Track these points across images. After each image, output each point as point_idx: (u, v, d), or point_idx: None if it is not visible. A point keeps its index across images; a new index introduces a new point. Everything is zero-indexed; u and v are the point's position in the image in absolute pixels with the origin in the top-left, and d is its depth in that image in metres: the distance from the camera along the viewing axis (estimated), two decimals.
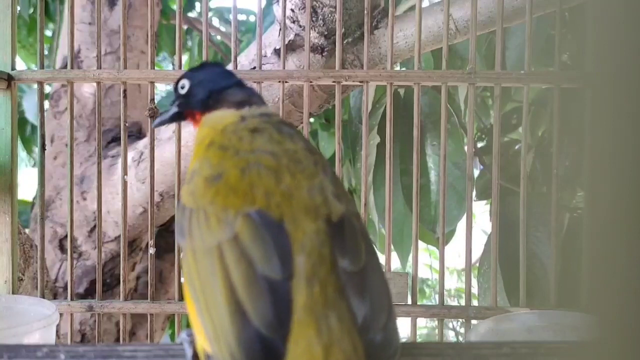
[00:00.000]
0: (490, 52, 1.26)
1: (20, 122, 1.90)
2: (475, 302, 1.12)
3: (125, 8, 0.92)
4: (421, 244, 1.18)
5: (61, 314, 0.89)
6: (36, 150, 2.08)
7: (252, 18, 2.33)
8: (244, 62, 1.16)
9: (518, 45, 1.18)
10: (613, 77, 0.26)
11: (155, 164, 0.93)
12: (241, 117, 0.53)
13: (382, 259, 1.61)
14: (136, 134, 1.49)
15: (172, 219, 1.40)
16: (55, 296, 1.26)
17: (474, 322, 0.90)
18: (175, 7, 0.95)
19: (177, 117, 0.59)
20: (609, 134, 0.26)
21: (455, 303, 2.26)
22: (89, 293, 1.36)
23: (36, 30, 0.92)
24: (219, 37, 2.32)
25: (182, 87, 0.59)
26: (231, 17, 0.95)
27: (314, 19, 1.05)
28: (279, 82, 0.92)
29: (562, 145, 0.87)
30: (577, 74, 0.86)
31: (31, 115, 1.85)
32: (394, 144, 0.93)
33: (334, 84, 0.92)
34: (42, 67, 0.91)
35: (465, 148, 1.03)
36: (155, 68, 0.94)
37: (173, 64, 1.66)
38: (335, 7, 0.96)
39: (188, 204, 0.47)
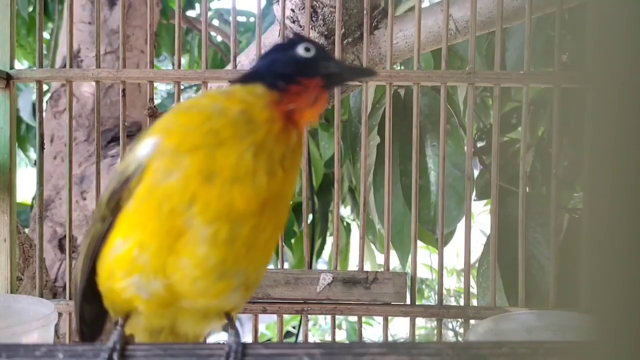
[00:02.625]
0: (490, 52, 1.26)
1: (16, 121, 1.90)
2: (474, 302, 1.12)
3: (125, 8, 0.92)
4: (420, 244, 1.18)
5: (60, 314, 0.88)
6: (32, 149, 2.08)
7: (251, 19, 2.32)
8: (244, 62, 1.15)
9: (518, 45, 1.18)
10: (613, 77, 0.26)
11: None
12: None
13: (381, 259, 1.61)
14: (136, 133, 1.49)
15: None
16: (54, 296, 1.25)
17: (472, 322, 0.90)
18: (175, 7, 0.95)
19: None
20: (609, 134, 0.26)
21: (454, 303, 2.26)
22: None
23: (35, 30, 0.92)
24: (219, 38, 2.31)
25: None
26: (230, 18, 0.95)
27: (313, 19, 1.05)
28: None
29: (562, 146, 0.87)
30: (577, 74, 0.86)
31: (26, 114, 1.85)
32: (394, 145, 0.93)
33: None
34: (41, 66, 0.91)
35: (465, 148, 1.03)
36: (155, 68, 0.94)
37: (173, 64, 1.67)
38: (335, 7, 0.96)
39: None
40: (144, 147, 0.49)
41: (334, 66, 0.54)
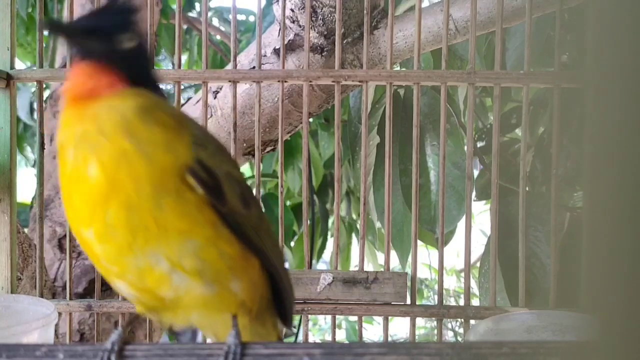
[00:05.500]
0: (490, 52, 1.26)
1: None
2: (474, 302, 1.12)
3: None
4: (420, 243, 1.18)
5: (60, 314, 0.89)
6: (29, 148, 2.08)
7: (251, 18, 2.32)
8: (243, 61, 1.15)
9: (518, 45, 1.18)
10: (613, 77, 0.26)
11: None
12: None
13: (381, 258, 1.61)
14: None
15: None
16: (54, 295, 1.25)
17: (472, 322, 0.90)
18: (174, 6, 0.95)
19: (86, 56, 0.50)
20: (609, 134, 0.26)
21: (454, 303, 2.26)
22: (88, 292, 1.36)
23: (35, 29, 0.92)
24: (218, 37, 2.31)
25: (130, 39, 0.51)
26: (231, 17, 0.95)
27: (313, 18, 1.05)
28: (279, 81, 0.92)
29: (562, 145, 0.87)
30: (577, 74, 0.86)
31: (23, 114, 1.85)
32: (394, 144, 0.93)
33: (333, 83, 0.92)
34: (41, 66, 0.91)
35: (465, 148, 1.03)
36: (155, 67, 0.94)
37: (173, 64, 1.67)
38: (335, 7, 0.96)
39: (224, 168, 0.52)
40: None
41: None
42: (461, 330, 1.54)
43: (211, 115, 1.18)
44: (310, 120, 1.57)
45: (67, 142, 0.48)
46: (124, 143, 0.46)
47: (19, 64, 2.04)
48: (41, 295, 0.88)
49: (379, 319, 1.35)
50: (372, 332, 2.44)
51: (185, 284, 0.50)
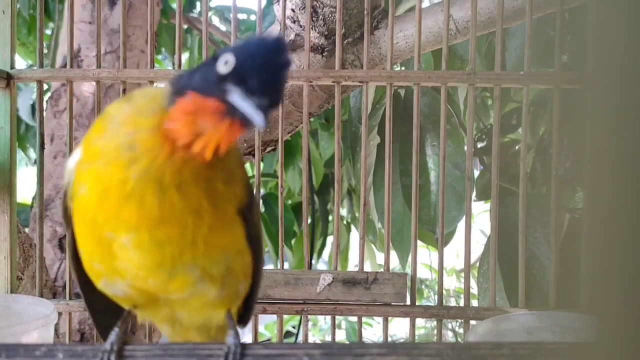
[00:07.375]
0: (490, 52, 1.26)
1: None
2: (474, 303, 1.12)
3: (126, 7, 0.92)
4: (420, 243, 1.18)
5: (60, 313, 0.88)
6: (31, 148, 2.08)
7: (252, 17, 2.32)
8: None
9: (518, 46, 1.18)
10: (613, 78, 0.26)
11: None
12: None
13: (381, 259, 1.61)
14: None
15: None
16: (54, 295, 1.25)
17: (472, 322, 0.90)
18: (175, 6, 0.95)
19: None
20: (609, 134, 0.26)
21: (454, 303, 2.26)
22: None
23: (36, 29, 0.92)
24: (218, 36, 2.31)
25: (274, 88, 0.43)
26: (231, 16, 0.95)
27: (314, 19, 1.05)
28: None
29: (562, 146, 0.87)
30: (577, 74, 0.86)
31: (25, 113, 1.85)
32: (394, 145, 0.93)
33: (333, 84, 0.92)
34: (41, 66, 0.91)
35: (465, 148, 1.03)
36: (156, 65, 0.94)
37: (173, 63, 1.67)
38: (335, 7, 0.96)
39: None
40: (73, 156, 0.50)
41: (237, 94, 0.42)
42: (461, 331, 1.54)
43: None
44: (311, 120, 1.57)
45: (136, 169, 0.45)
46: (201, 184, 0.46)
47: (22, 63, 2.04)
48: (41, 295, 0.88)
49: (378, 320, 1.35)
50: (372, 332, 2.44)
51: (203, 288, 0.51)
